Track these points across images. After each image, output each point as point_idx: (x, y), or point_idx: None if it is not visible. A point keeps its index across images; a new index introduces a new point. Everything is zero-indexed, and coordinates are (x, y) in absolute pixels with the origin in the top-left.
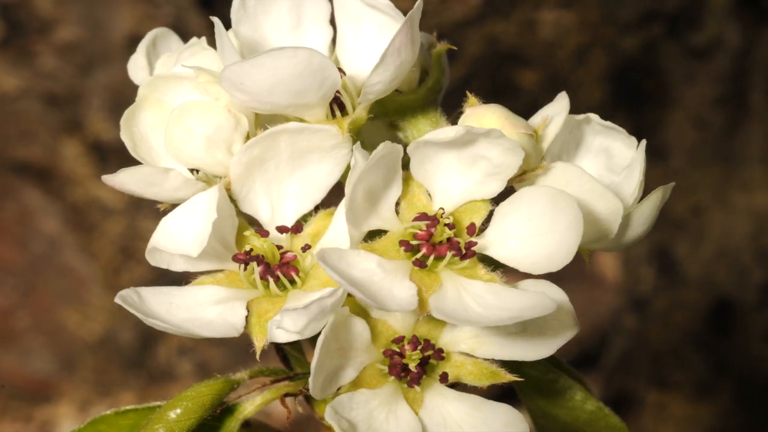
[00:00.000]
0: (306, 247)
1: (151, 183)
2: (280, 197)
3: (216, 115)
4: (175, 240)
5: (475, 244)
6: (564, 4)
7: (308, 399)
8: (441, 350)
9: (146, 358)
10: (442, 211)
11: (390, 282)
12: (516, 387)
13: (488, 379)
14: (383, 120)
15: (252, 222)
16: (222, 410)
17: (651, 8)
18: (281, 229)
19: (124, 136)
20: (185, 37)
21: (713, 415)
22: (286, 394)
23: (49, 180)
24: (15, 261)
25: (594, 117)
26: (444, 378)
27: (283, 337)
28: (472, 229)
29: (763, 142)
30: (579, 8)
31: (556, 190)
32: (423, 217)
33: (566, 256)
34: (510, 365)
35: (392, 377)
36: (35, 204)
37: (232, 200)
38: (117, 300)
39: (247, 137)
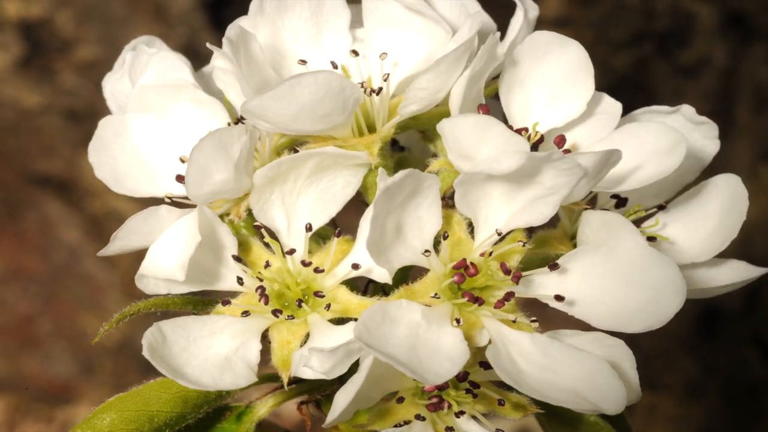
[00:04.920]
0: (318, 270)
1: (150, 232)
2: (296, 209)
3: (240, 144)
4: (159, 265)
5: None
6: (558, 24)
7: (318, 404)
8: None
9: None
10: (483, 256)
11: (435, 333)
12: None
13: (519, 413)
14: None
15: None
16: (237, 412)
17: (642, 28)
18: (308, 227)
19: (104, 172)
20: (198, 57)
21: (702, 415)
22: (302, 402)
23: (70, 192)
24: (37, 269)
25: (687, 109)
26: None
27: (309, 375)
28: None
29: (749, 155)
30: (573, 28)
31: (645, 245)
32: (462, 264)
33: (658, 317)
34: None
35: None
36: (56, 215)
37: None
38: (145, 353)
39: (262, 153)
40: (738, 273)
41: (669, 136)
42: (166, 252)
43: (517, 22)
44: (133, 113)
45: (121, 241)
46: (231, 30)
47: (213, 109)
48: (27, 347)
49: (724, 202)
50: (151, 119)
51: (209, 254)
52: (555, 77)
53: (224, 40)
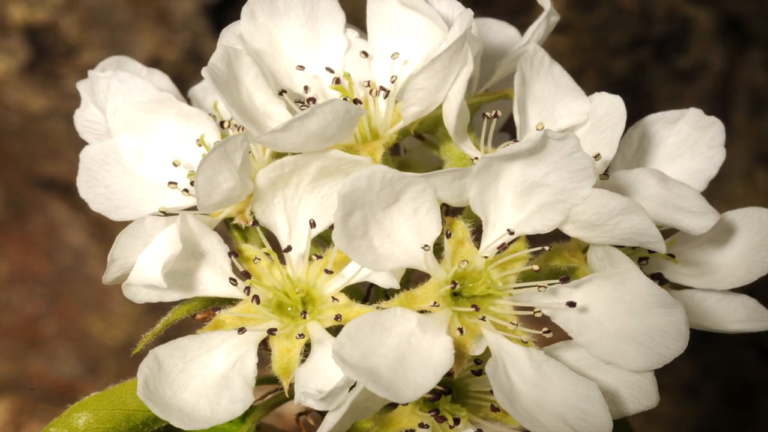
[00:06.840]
0: (328, 272)
1: (144, 244)
2: (297, 214)
3: (242, 149)
4: (144, 274)
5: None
6: (558, 29)
7: (321, 412)
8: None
9: None
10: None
11: (429, 341)
12: None
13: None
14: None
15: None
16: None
17: (639, 33)
18: (311, 224)
19: (99, 203)
20: (201, 61)
21: (698, 416)
22: (300, 414)
23: (75, 195)
24: (43, 271)
25: (692, 114)
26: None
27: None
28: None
29: (745, 159)
30: (572, 33)
31: (653, 284)
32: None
33: (655, 356)
34: None
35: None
36: (62, 218)
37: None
38: (140, 393)
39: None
40: (749, 313)
41: (702, 205)
42: (150, 261)
43: (540, 24)
44: (119, 136)
45: (118, 261)
46: (216, 55)
47: (199, 119)
48: (32, 348)
49: (754, 235)
50: (137, 139)
51: (201, 262)
52: (545, 96)
53: (204, 73)
